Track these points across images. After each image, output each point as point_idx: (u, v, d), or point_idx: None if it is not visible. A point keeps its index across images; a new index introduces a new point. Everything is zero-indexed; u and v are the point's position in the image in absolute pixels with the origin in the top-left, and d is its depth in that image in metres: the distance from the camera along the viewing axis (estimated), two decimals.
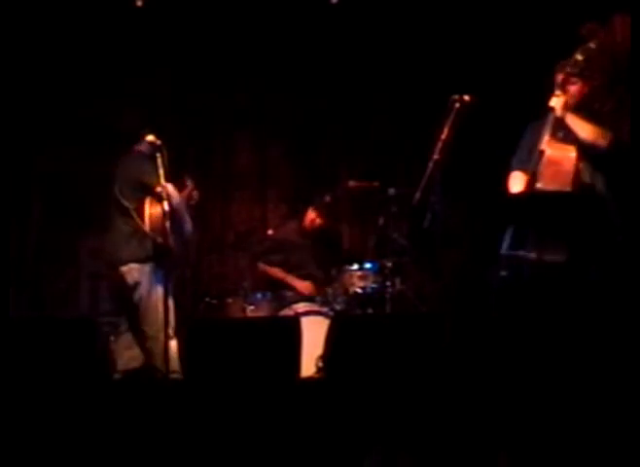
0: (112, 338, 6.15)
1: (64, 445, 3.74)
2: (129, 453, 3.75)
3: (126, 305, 5.42)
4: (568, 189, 4.70)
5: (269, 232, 6.63)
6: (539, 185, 4.75)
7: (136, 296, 5.35)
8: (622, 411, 3.84)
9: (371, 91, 7.13)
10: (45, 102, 6.76)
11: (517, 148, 5.11)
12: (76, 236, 6.93)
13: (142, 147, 5.59)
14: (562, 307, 4.56)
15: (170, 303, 5.24)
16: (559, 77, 4.92)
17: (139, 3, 6.60)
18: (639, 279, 4.67)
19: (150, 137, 5.23)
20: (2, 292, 6.53)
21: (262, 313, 6.13)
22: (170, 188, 5.35)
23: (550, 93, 4.92)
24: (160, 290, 5.18)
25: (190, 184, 5.80)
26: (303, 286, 6.51)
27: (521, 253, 4.77)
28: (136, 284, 5.35)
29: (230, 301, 6.29)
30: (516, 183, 4.94)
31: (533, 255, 4.69)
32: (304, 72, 7.11)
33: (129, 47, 6.82)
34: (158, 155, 5.16)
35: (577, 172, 4.76)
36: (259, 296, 6.30)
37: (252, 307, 6.17)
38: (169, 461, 3.75)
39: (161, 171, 5.13)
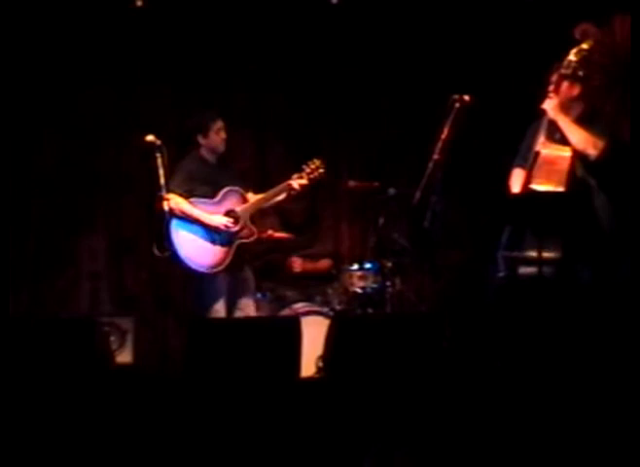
0: (112, 338, 6.17)
1: (64, 445, 3.74)
2: (130, 454, 3.75)
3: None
4: (561, 188, 4.69)
5: (269, 232, 6.62)
6: (532, 185, 4.75)
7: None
8: (622, 409, 3.84)
9: (371, 91, 7.12)
10: (45, 102, 6.75)
11: (520, 145, 5.11)
12: (76, 236, 6.93)
13: (202, 150, 5.61)
14: (557, 307, 4.57)
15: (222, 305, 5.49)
16: (553, 78, 4.91)
17: (139, 3, 6.60)
18: (631, 280, 4.68)
19: (150, 137, 5.22)
20: (2, 292, 6.53)
21: (262, 313, 6.13)
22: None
23: (543, 94, 4.92)
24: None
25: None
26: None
27: (518, 254, 4.78)
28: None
29: None
30: (516, 181, 4.95)
31: (530, 254, 4.70)
32: (305, 72, 7.10)
33: (129, 46, 6.82)
34: (158, 155, 5.16)
35: (571, 170, 4.75)
36: (259, 296, 6.30)
37: None
38: (171, 461, 3.75)
39: (162, 171, 5.13)
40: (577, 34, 4.90)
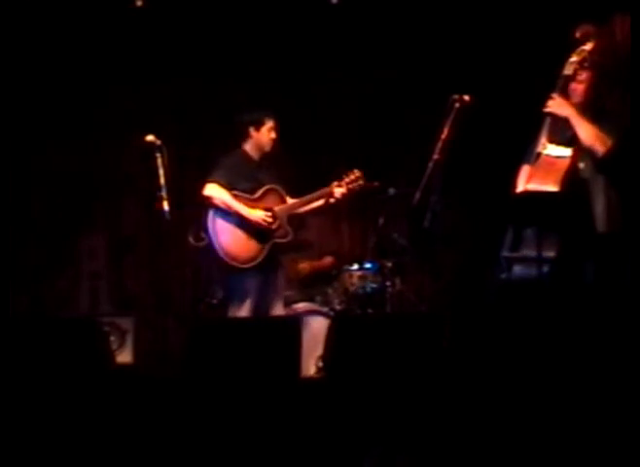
0: (112, 338, 6.17)
1: (64, 445, 3.74)
2: (130, 454, 3.75)
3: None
4: (555, 188, 4.69)
5: None
6: (528, 185, 4.76)
7: None
8: (623, 409, 3.84)
9: (370, 91, 7.13)
10: (45, 102, 6.75)
11: (530, 145, 5.11)
12: (76, 236, 6.93)
13: (247, 145, 5.62)
14: (559, 307, 4.57)
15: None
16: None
17: (139, 3, 6.60)
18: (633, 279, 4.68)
19: (150, 137, 5.22)
20: (2, 292, 6.53)
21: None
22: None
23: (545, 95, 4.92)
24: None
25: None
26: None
27: (517, 254, 4.78)
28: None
29: None
30: (523, 177, 4.95)
31: (526, 253, 4.70)
32: (305, 72, 7.11)
33: (129, 46, 6.82)
34: (158, 155, 5.16)
35: (570, 171, 4.75)
36: None
37: None
38: (171, 461, 3.76)
39: (162, 171, 5.13)
40: (579, 35, 4.90)
